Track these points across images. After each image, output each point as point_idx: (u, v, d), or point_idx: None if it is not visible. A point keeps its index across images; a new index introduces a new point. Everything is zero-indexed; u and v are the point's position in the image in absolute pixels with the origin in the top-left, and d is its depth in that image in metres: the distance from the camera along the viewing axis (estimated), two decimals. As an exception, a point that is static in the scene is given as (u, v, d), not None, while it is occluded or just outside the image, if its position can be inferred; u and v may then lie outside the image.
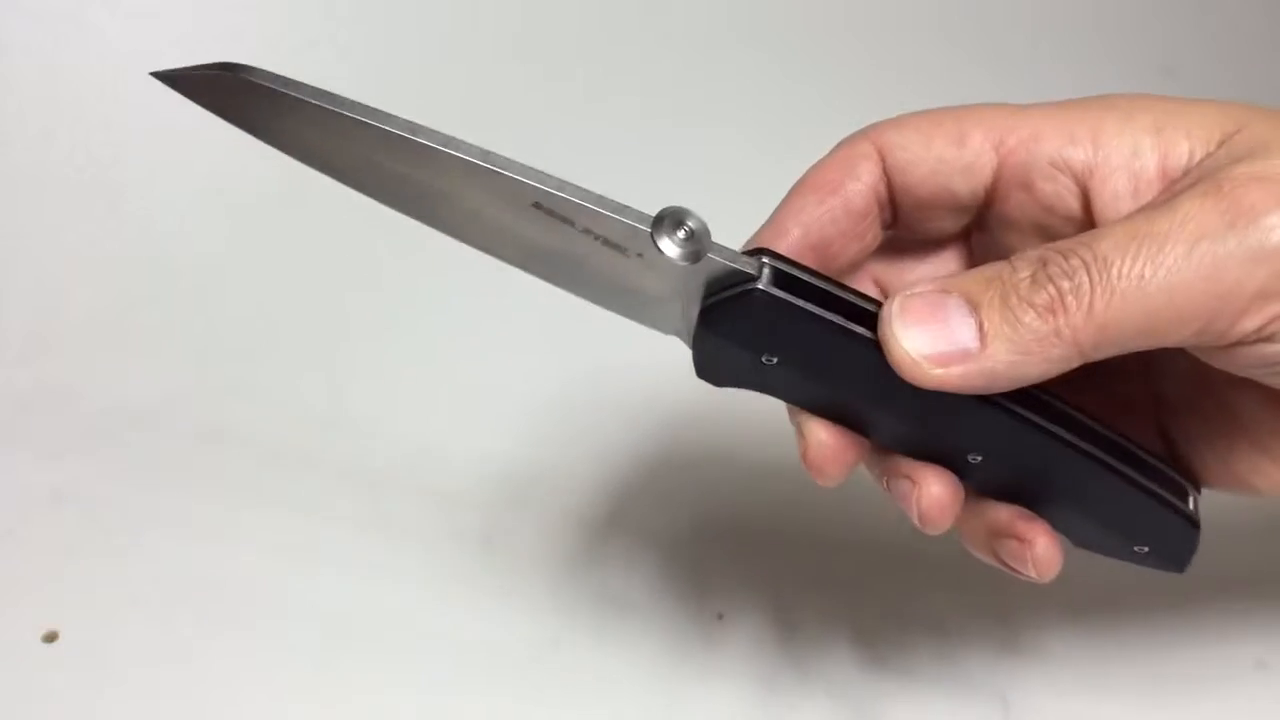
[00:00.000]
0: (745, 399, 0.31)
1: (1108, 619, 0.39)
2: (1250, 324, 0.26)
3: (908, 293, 0.27)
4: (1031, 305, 0.26)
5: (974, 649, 0.38)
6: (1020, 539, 0.30)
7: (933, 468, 0.30)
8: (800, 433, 0.30)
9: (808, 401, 0.30)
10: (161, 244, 0.55)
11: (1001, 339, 0.26)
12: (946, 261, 0.33)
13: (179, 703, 0.37)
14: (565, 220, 0.26)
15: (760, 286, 0.27)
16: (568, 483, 0.44)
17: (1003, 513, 0.31)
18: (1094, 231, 0.26)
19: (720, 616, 0.40)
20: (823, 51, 0.65)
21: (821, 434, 0.30)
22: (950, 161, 0.30)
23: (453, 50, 0.63)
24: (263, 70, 0.26)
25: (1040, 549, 0.30)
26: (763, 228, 0.31)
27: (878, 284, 0.33)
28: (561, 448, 0.46)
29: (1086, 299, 0.25)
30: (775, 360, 0.28)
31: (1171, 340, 0.26)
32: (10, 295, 0.52)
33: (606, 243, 0.27)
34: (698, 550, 0.42)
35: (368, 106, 0.26)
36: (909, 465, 0.30)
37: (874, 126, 0.31)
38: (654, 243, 0.26)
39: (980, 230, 0.32)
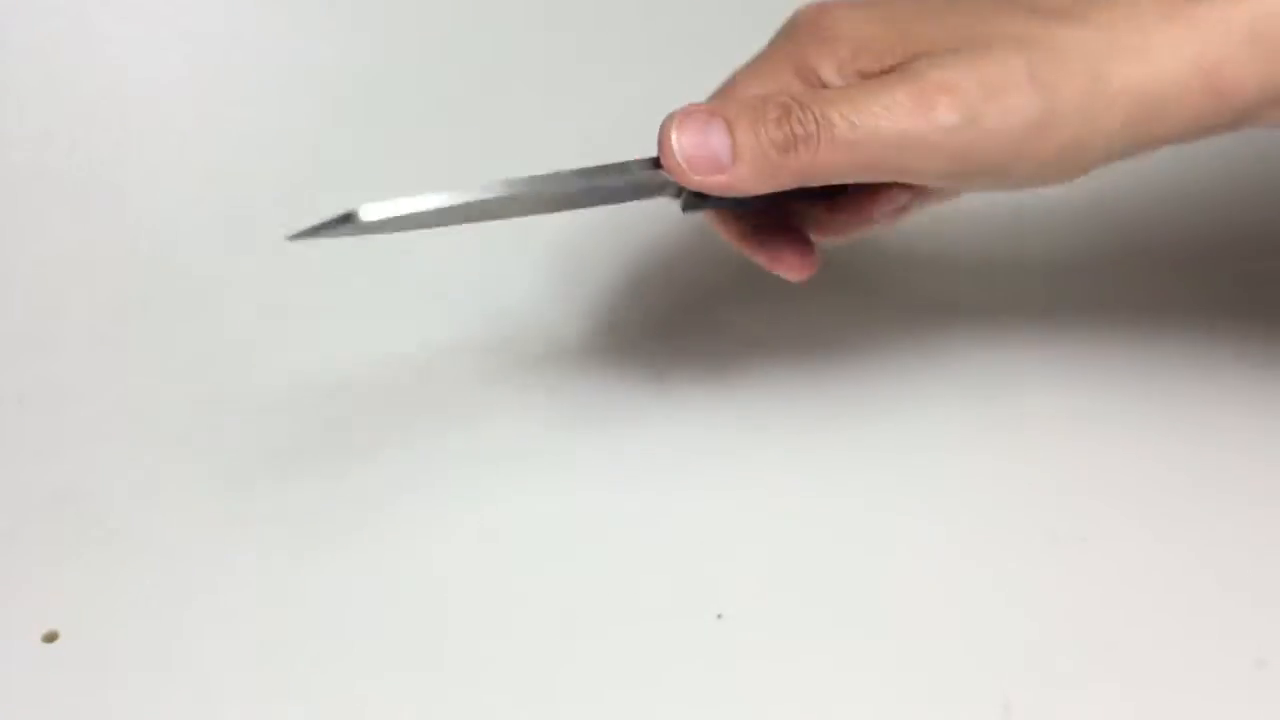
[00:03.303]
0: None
1: (1107, 617, 0.39)
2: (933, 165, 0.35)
3: (684, 110, 0.36)
4: (774, 143, 0.35)
5: (977, 650, 0.38)
6: None
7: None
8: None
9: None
10: (161, 244, 0.55)
11: (746, 161, 0.35)
12: None
13: (180, 703, 0.37)
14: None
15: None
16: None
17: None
18: (825, 93, 0.36)
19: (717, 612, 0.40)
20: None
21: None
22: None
23: (454, 50, 0.63)
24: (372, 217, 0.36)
25: None
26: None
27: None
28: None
29: (814, 145, 0.35)
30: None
31: (879, 177, 0.36)
32: (10, 295, 0.52)
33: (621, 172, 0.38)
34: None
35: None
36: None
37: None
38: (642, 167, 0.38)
39: None
